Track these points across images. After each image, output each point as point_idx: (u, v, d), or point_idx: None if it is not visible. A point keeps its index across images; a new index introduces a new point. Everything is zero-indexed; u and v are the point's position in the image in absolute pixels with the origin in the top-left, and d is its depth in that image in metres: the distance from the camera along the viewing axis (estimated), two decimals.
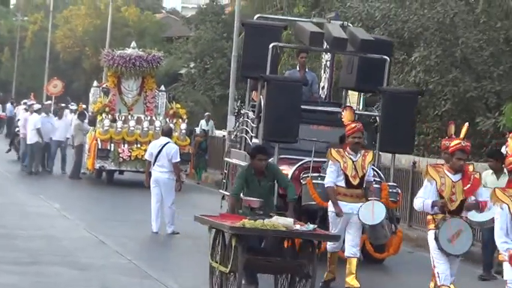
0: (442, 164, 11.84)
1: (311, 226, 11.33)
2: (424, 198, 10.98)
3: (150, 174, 19.82)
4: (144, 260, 15.92)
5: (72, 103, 44.03)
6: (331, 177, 13.33)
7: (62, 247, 17.80)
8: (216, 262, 11.34)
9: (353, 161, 13.29)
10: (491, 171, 15.69)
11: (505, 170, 10.91)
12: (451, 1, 28.45)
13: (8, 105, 59.47)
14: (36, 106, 36.54)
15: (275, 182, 12.74)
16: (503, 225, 8.99)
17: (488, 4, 28.98)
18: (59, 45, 73.49)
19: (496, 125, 25.53)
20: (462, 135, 11.23)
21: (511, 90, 27.46)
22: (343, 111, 14.88)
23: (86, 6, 72.97)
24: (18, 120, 39.11)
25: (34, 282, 13.15)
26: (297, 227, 10.98)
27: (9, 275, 13.34)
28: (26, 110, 38.42)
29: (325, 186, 13.50)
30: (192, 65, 52.06)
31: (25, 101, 46.60)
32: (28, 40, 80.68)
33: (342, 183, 13.27)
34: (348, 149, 13.41)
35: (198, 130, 38.80)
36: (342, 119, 14.41)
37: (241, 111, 26.35)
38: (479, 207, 11.08)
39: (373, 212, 12.97)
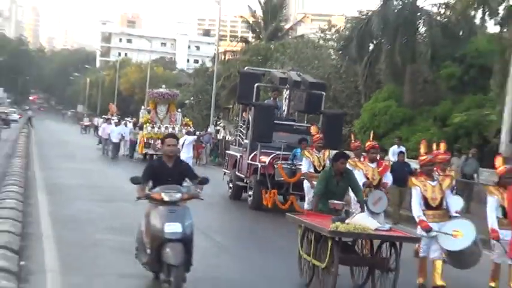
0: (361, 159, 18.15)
1: (387, 226, 12.25)
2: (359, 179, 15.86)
3: None
4: None
5: (130, 119, 65.02)
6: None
7: (126, 193, 23.10)
8: (308, 255, 12.42)
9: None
10: None
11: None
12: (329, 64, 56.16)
13: (96, 118, 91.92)
14: (112, 119, 57.38)
15: (349, 184, 13.70)
16: (418, 200, 13.30)
17: (347, 68, 51.86)
18: (121, 86, 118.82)
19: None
20: (371, 138, 18.72)
21: (357, 113, 46.68)
22: (310, 126, 23.43)
23: (135, 66, 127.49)
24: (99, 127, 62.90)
25: (112, 211, 21.95)
26: (378, 225, 11.83)
27: (98, 208, 22.14)
28: (104, 121, 57.99)
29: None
30: (191, 98, 78.20)
31: (104, 115, 72.90)
32: (106, 83, 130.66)
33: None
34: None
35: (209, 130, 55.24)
36: (307, 130, 23.52)
37: (218, 123, 58.18)
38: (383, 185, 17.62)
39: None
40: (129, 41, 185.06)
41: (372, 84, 48.37)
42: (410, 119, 42.84)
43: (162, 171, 11.90)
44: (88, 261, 13.84)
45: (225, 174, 28.57)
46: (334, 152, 20.14)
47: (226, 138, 48.78)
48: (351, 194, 14.62)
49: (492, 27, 40.77)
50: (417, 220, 13.24)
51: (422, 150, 14.59)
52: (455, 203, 14.18)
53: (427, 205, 13.20)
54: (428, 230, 12.27)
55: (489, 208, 13.05)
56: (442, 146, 15.91)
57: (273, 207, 22.56)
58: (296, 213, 14.76)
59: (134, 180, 11.96)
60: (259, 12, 74.96)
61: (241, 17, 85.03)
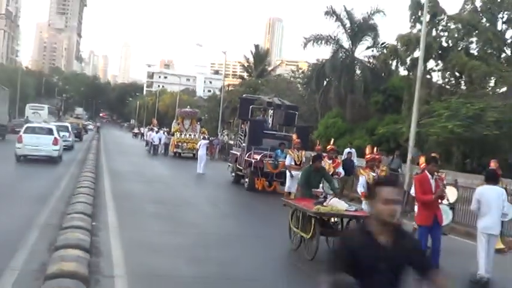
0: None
1: (353, 207, 11.88)
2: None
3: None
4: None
5: (165, 128, 60.32)
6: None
7: (159, 176, 28.14)
8: (296, 228, 11.85)
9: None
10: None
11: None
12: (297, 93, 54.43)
13: (142, 128, 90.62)
14: (154, 128, 56.21)
15: (322, 177, 13.47)
16: (363, 184, 13.47)
17: (309, 96, 51.89)
18: (160, 107, 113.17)
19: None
20: (331, 143, 19.18)
21: (315, 126, 43.50)
22: (288, 134, 24.95)
23: (169, 94, 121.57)
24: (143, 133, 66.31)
25: (151, 189, 21.83)
26: (348, 207, 11.48)
27: (142, 187, 22.16)
28: (149, 130, 59.11)
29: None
30: (205, 115, 73.61)
31: (148, 126, 72.89)
32: (149, 105, 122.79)
33: None
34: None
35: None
36: (285, 137, 24.71)
37: (224, 131, 59.18)
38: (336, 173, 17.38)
39: None
40: (165, 77, 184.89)
41: (325, 107, 48.60)
42: (350, 130, 43.03)
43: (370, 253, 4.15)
44: (136, 222, 13.92)
45: (229, 166, 28.49)
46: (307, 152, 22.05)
47: (229, 142, 48.61)
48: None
49: (402, 71, 41.19)
50: (361, 195, 13.86)
51: (367, 151, 14.88)
52: None
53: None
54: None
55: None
56: (376, 149, 15.85)
57: (262, 190, 22.82)
58: (287, 198, 14.80)
59: None
60: (251, 59, 75.46)
61: (239, 62, 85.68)
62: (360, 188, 13.89)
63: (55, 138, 28.80)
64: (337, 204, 11.42)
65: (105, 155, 38.49)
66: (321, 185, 14.09)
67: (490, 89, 34.22)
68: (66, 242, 9.53)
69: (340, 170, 18.32)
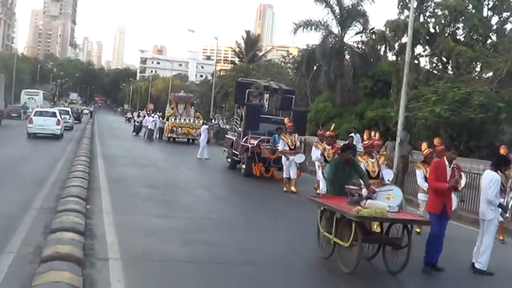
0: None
1: (395, 207, 10.10)
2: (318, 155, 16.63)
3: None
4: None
5: (159, 112, 57.08)
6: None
7: (154, 161, 27.49)
8: (329, 233, 9.76)
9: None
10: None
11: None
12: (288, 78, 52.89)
13: (135, 113, 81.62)
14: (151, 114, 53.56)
15: (353, 170, 11.10)
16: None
17: (299, 81, 51.24)
18: (153, 92, 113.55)
19: None
20: (331, 129, 17.85)
21: None
22: (284, 118, 22.71)
23: (162, 79, 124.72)
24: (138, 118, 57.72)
25: (144, 173, 21.52)
26: (387, 207, 9.46)
27: (133, 171, 21.87)
28: (144, 115, 55.01)
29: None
30: (198, 99, 71.46)
31: (141, 111, 74.23)
32: (142, 90, 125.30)
33: None
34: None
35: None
36: (281, 121, 22.43)
37: (216, 116, 55.11)
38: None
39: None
40: (158, 63, 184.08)
41: (315, 92, 48.63)
42: (340, 114, 43.04)
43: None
44: (129, 206, 13.83)
45: (224, 151, 27.64)
46: (299, 136, 21.30)
47: (221, 126, 48.16)
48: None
49: (391, 57, 41.19)
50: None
51: (365, 137, 14.13)
52: (388, 174, 13.51)
53: (368, 176, 11.96)
54: (373, 192, 10.78)
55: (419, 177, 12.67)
56: (377, 134, 14.60)
57: (260, 176, 21.94)
58: (316, 196, 12.01)
59: None
60: (243, 45, 75.14)
61: (231, 47, 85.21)
62: None
63: (58, 119, 35.57)
64: (375, 204, 9.46)
65: (99, 140, 38.34)
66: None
67: (476, 73, 34.26)
68: (61, 225, 9.51)
69: None
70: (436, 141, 12.16)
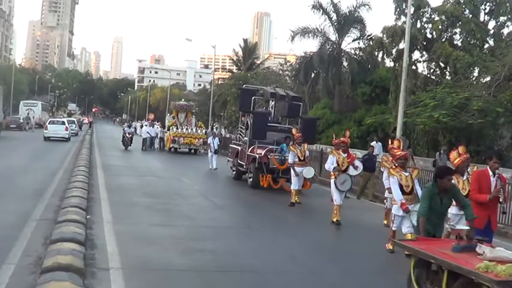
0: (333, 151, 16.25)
1: None
2: (332, 164, 15.53)
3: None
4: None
5: (158, 122, 54.02)
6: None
7: (154, 170, 27.36)
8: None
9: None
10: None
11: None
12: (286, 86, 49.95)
13: (134, 122, 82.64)
14: (146, 123, 51.51)
15: (455, 200, 8.55)
16: (397, 187, 11.38)
17: (297, 88, 47.56)
18: (151, 102, 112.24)
19: None
20: (346, 136, 16.15)
21: None
22: (291, 127, 22.50)
23: (160, 89, 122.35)
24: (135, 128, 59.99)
25: (144, 183, 21.46)
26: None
27: (133, 180, 21.91)
28: (141, 126, 57.23)
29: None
30: (196, 108, 61.79)
31: (140, 121, 76.96)
32: (141, 100, 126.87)
33: None
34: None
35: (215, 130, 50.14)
36: (288, 130, 21.91)
37: (214, 124, 53.98)
38: (353, 166, 15.71)
39: None
40: (156, 72, 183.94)
41: (314, 99, 48.70)
42: (338, 121, 43.17)
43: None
44: (129, 215, 13.79)
45: (228, 161, 26.68)
46: (307, 144, 19.77)
47: (223, 135, 47.80)
48: (452, 211, 10.04)
49: (388, 63, 41.26)
50: (399, 203, 11.02)
51: (395, 145, 12.58)
52: (420, 189, 11.57)
53: (401, 191, 11.12)
54: (407, 211, 10.45)
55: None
56: (462, 148, 11.27)
57: (268, 187, 21.11)
58: (407, 241, 8.49)
59: None
60: (240, 53, 75.30)
61: (228, 56, 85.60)
62: (397, 194, 11.20)
63: (66, 126, 48.21)
64: (500, 254, 6.48)
65: (98, 150, 38.39)
66: (451, 210, 9.82)
67: (474, 78, 34.30)
68: (62, 236, 9.48)
69: (357, 162, 16.15)
70: (461, 149, 11.05)
